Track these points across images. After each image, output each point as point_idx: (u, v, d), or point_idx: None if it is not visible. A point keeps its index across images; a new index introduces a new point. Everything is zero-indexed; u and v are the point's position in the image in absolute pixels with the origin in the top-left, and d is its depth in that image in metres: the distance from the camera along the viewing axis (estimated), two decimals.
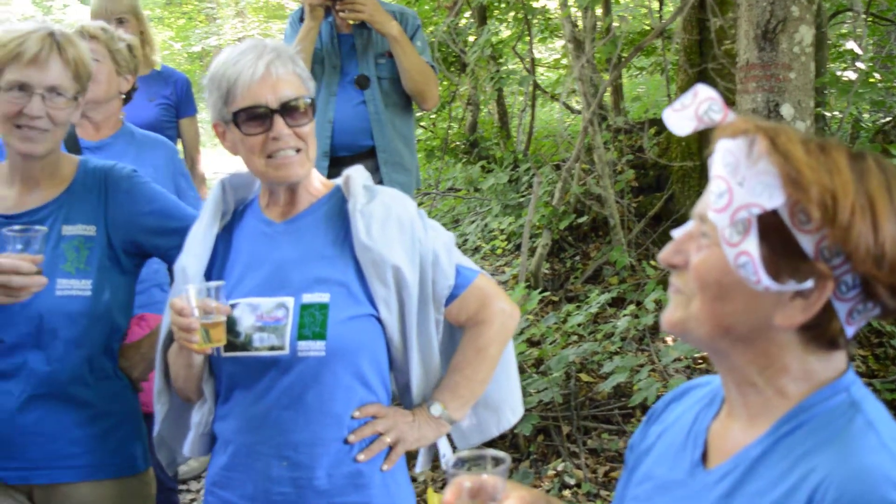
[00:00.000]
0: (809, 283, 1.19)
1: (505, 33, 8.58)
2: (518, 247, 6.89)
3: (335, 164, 4.46)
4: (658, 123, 6.98)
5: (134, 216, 2.48)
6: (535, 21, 7.91)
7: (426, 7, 7.99)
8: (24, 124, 2.33)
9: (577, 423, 4.55)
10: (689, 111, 1.28)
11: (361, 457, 2.12)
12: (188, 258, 2.22)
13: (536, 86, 7.77)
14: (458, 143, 8.42)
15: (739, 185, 1.20)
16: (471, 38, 8.05)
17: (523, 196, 7.06)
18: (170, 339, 2.26)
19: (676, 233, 1.35)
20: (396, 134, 4.42)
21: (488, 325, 2.23)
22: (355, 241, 2.13)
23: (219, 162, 15.61)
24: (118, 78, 3.32)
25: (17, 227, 2.22)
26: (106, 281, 2.42)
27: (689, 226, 1.34)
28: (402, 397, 2.29)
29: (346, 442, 2.11)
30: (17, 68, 2.31)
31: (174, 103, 4.80)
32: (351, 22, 4.32)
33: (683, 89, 6.39)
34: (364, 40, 4.33)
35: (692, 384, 1.57)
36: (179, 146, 5.01)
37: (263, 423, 2.12)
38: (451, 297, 2.21)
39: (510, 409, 2.38)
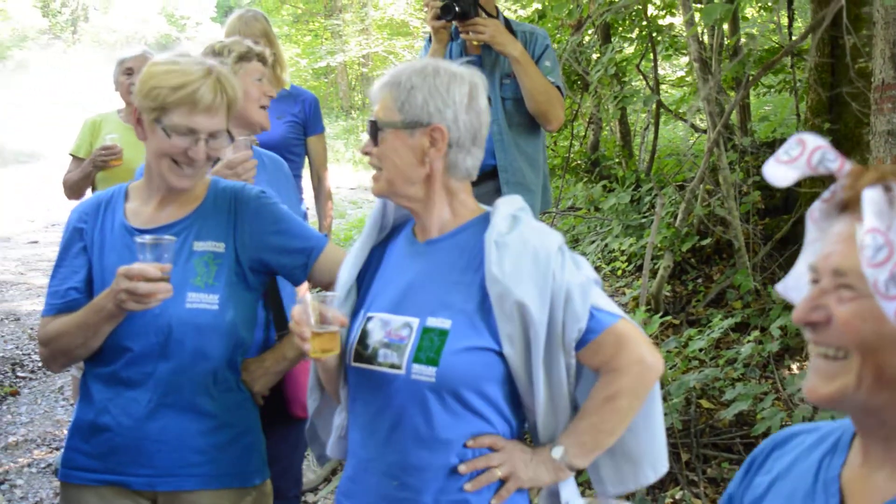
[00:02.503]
0: None
1: (628, 50, 8.49)
2: (638, 268, 6.79)
3: None
4: None
5: (260, 235, 2.56)
6: (659, 39, 7.79)
7: (549, 25, 7.96)
8: (183, 163, 2.46)
9: (697, 451, 4.45)
10: (800, 161, 1.25)
11: (468, 486, 2.08)
12: (343, 268, 2.31)
13: (660, 105, 7.66)
14: (579, 161, 8.36)
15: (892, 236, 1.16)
16: (594, 56, 7.99)
17: (645, 217, 6.96)
18: None
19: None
20: (520, 154, 4.42)
21: (621, 374, 2.09)
22: (486, 272, 2.08)
23: (342, 178, 15.95)
24: None
25: (148, 237, 2.32)
26: (232, 296, 2.51)
27: (802, 279, 1.29)
28: (532, 435, 2.24)
29: (456, 470, 2.08)
30: (189, 114, 2.43)
31: (302, 121, 4.91)
32: (475, 43, 4.36)
33: (814, 109, 6.21)
34: (491, 61, 4.36)
35: (794, 430, 1.51)
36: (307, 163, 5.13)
37: (378, 439, 2.14)
38: (583, 342, 2.09)
39: (650, 465, 2.22)
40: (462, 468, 2.08)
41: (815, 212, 1.31)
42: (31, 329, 8.20)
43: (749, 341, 5.17)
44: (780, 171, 1.27)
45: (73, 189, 5.15)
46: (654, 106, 7.66)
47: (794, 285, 1.34)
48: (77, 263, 2.56)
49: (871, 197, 1.18)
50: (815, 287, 1.27)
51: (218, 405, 2.51)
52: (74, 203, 5.29)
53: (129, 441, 2.46)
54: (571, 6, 7.68)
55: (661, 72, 9.57)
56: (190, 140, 2.44)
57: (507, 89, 4.39)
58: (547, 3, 8.25)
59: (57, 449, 5.53)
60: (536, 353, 2.06)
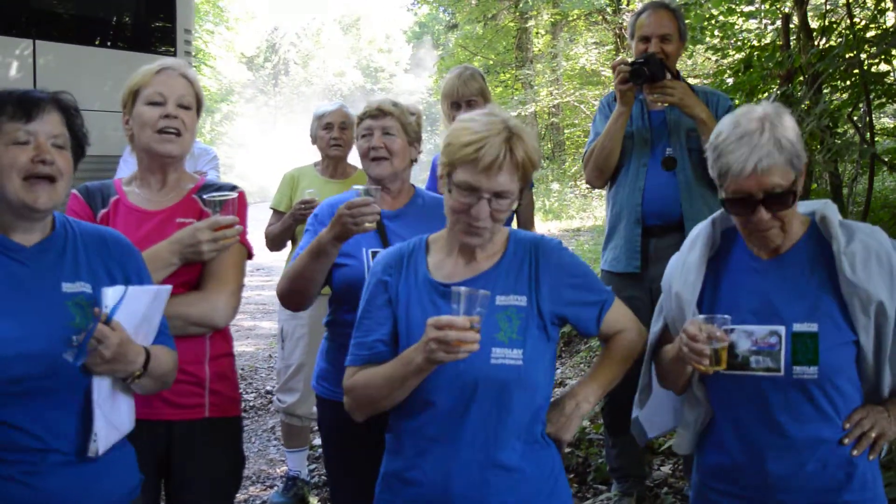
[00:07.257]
0: None
1: (839, 98, 8.18)
2: None
3: (647, 233, 4.47)
4: None
5: (559, 288, 2.59)
6: (873, 88, 7.48)
7: (754, 75, 7.79)
8: (470, 222, 2.50)
9: None
10: None
11: (855, 452, 2.54)
12: (682, 286, 2.69)
13: (875, 157, 7.33)
14: None
15: None
16: (802, 106, 7.74)
17: None
18: (657, 343, 2.82)
19: None
20: (707, 207, 4.35)
21: None
22: (841, 279, 2.50)
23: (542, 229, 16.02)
24: (410, 148, 3.43)
25: (463, 288, 2.32)
26: (535, 350, 2.52)
27: None
28: (870, 394, 2.62)
29: (840, 443, 2.54)
30: (471, 172, 2.46)
31: None
32: (659, 104, 4.40)
33: None
34: (676, 115, 4.43)
35: None
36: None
37: (761, 428, 2.58)
38: None
39: None
40: (846, 440, 2.54)
41: None
42: (241, 370, 8.59)
43: None
44: None
45: (275, 242, 5.33)
46: (866, 158, 7.33)
47: None
48: (382, 316, 2.62)
49: None
50: None
51: (523, 458, 2.52)
52: (276, 253, 5.53)
53: (438, 495, 2.50)
54: (781, 56, 7.51)
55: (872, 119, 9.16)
56: (472, 198, 2.48)
57: (695, 141, 4.42)
58: (753, 52, 8.10)
59: (270, 487, 5.73)
60: (886, 337, 2.52)
